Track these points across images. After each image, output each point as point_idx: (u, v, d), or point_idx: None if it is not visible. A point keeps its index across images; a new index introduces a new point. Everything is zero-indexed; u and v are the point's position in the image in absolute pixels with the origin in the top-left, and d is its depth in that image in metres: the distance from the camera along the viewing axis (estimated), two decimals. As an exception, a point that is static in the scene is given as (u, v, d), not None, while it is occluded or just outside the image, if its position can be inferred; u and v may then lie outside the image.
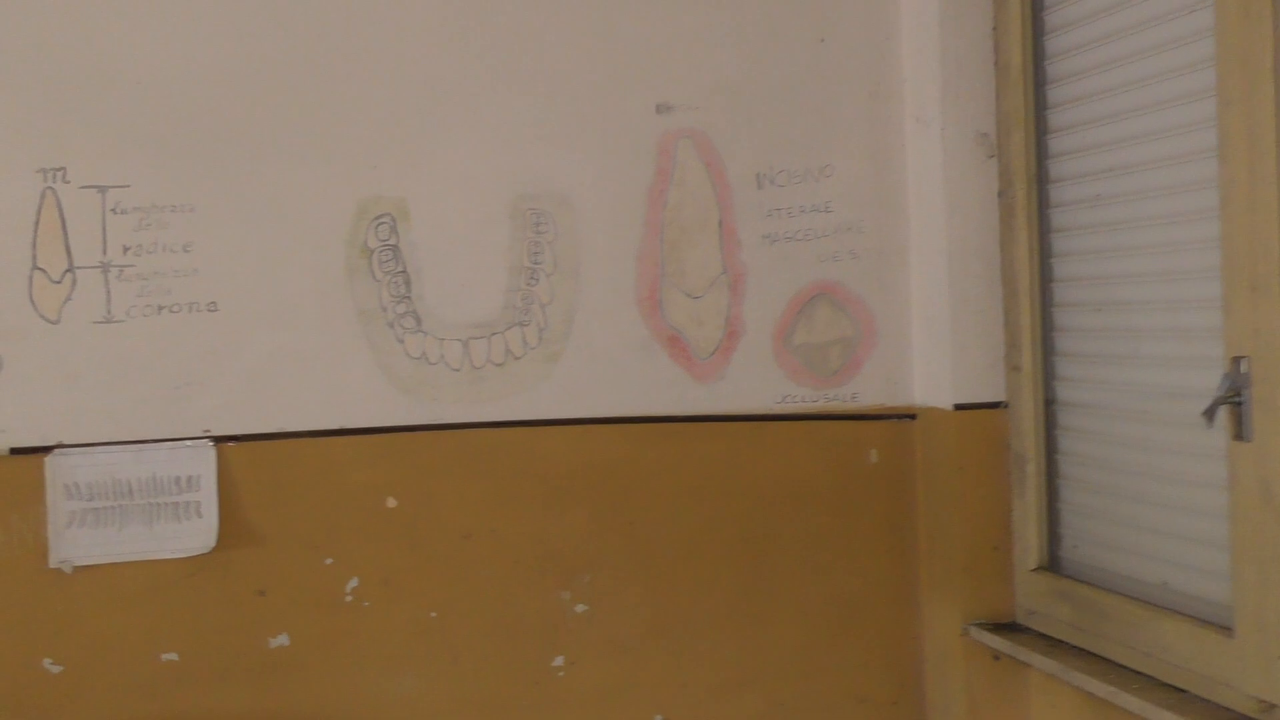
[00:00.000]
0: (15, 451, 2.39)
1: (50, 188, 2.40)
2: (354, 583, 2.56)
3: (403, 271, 2.57)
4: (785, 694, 2.77)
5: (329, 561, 2.55)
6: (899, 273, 2.80)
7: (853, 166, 2.77)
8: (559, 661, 2.67)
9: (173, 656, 2.48)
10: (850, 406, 2.80)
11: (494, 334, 2.62)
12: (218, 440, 2.49)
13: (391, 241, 2.56)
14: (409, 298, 2.57)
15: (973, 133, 2.68)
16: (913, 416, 2.81)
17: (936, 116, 2.70)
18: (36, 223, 2.40)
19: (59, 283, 2.41)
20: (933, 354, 2.77)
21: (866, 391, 2.80)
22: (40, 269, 2.39)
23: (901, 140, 2.77)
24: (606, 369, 2.67)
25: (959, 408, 2.69)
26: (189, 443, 2.47)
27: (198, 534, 2.47)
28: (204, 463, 2.47)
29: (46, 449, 2.41)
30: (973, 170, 2.66)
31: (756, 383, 2.75)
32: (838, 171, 2.76)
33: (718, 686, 2.74)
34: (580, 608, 2.67)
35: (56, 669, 2.42)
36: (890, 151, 2.79)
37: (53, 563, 2.40)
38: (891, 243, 2.79)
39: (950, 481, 2.72)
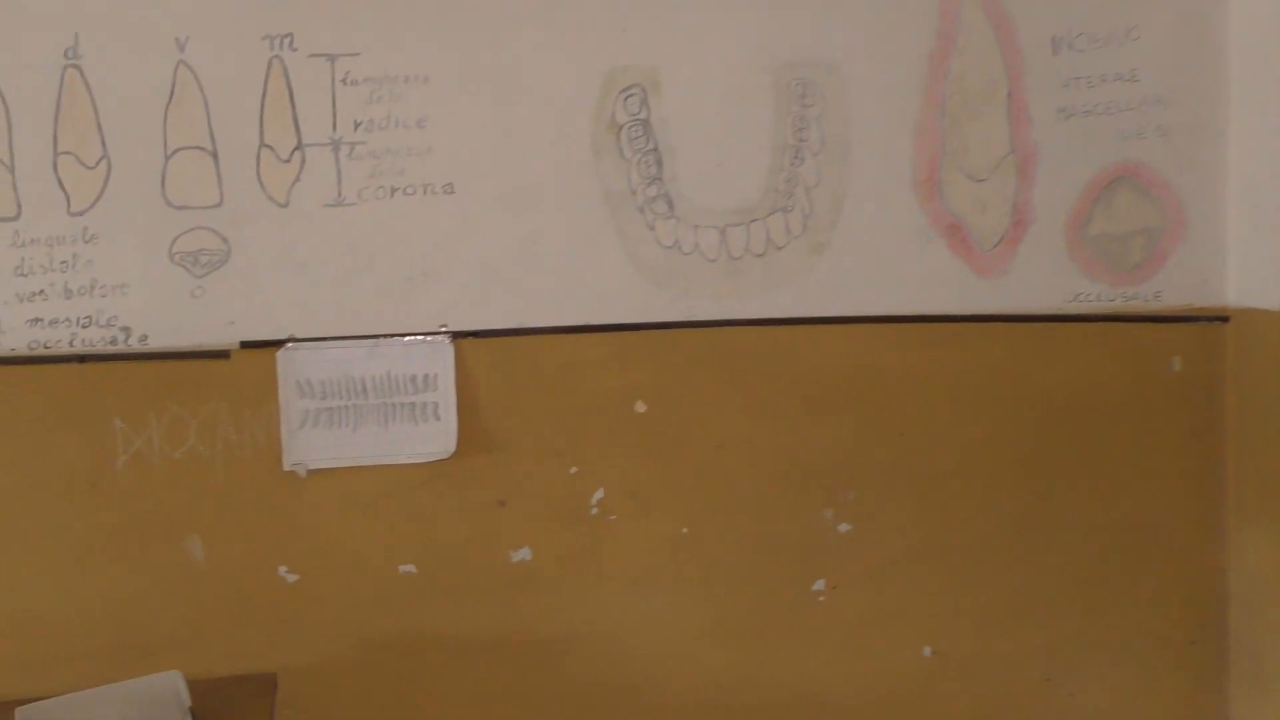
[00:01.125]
0: (246, 345, 2.21)
1: (277, 56, 2.19)
2: (599, 494, 2.35)
3: (654, 150, 2.30)
4: (1068, 629, 2.49)
5: (573, 470, 2.34)
6: (1214, 154, 2.43)
7: (1164, 28, 2.40)
8: (819, 585, 2.43)
9: (410, 569, 2.31)
10: (1152, 307, 2.46)
11: (754, 221, 2.34)
12: (455, 336, 2.26)
13: (642, 115, 2.29)
14: (660, 179, 2.30)
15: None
16: (1225, 319, 2.45)
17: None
18: (263, 95, 2.20)
19: (287, 161, 2.21)
20: (1256, 248, 2.39)
21: (1171, 290, 2.46)
22: (267, 146, 2.20)
23: (1224, -4, 2.36)
24: (877, 261, 2.39)
25: (1296, 307, 2.31)
26: (425, 338, 2.26)
27: (436, 438, 2.27)
28: (441, 360, 2.26)
29: (278, 343, 2.23)
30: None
31: (1046, 278, 2.43)
32: (1146, 34, 2.39)
33: (993, 618, 2.47)
34: (844, 527, 2.42)
35: (293, 577, 2.27)
36: (1209, 10, 2.38)
37: (287, 465, 2.24)
38: (1207, 118, 2.42)
39: (1275, 393, 2.35)
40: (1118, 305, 2.47)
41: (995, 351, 2.44)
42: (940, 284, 2.42)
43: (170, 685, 2.02)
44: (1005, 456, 2.46)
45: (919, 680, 2.46)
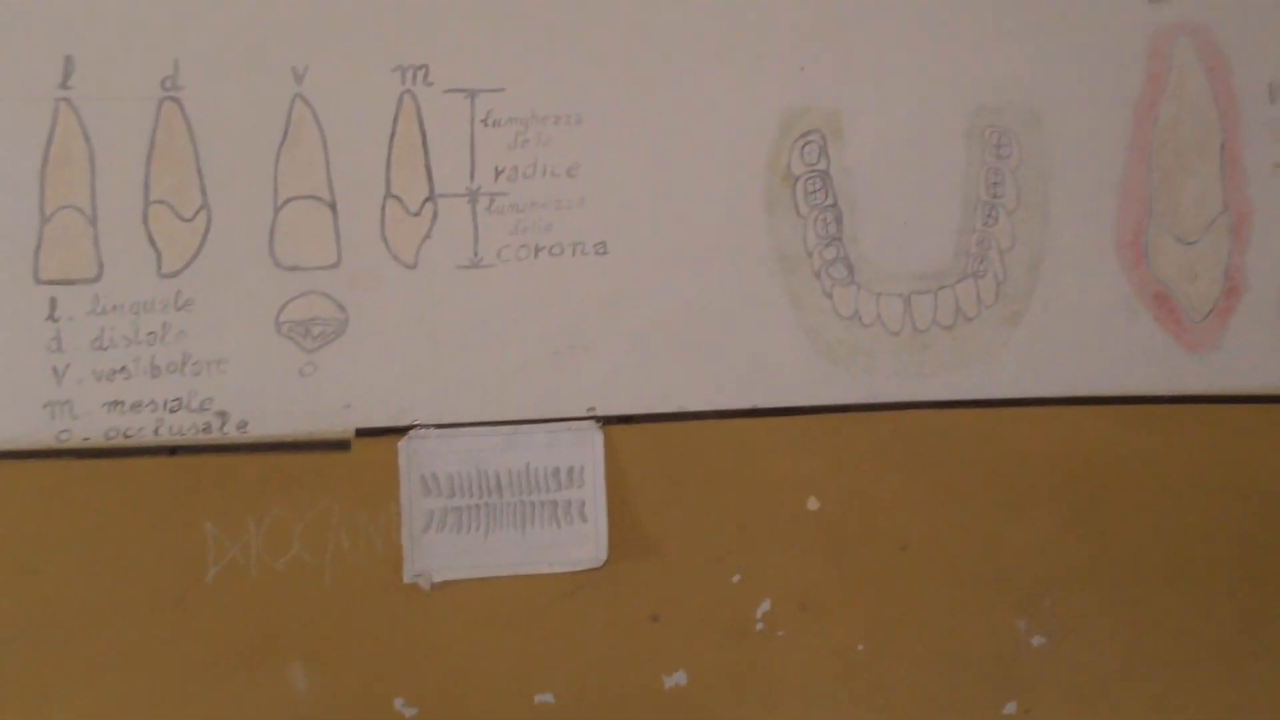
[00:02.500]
0: (363, 433, 1.87)
1: (409, 91, 1.87)
2: (765, 606, 2.04)
3: (833, 205, 2.01)
4: (1287, 752, 2.18)
5: (736, 579, 2.02)
6: None
7: (1389, 73, 2.14)
8: (1011, 708, 2.14)
9: (548, 698, 1.97)
10: (1380, 385, 2.18)
11: (942, 288, 2.06)
12: (604, 421, 1.93)
13: (820, 166, 2.00)
14: (840, 239, 2.01)
15: None
16: None
17: None
18: (391, 136, 1.87)
19: (417, 215, 1.89)
20: None
21: (1403, 367, 2.18)
22: (394, 196, 1.88)
23: None
24: (1077, 334, 2.11)
25: None
26: (571, 424, 1.93)
27: (583, 542, 1.94)
28: (590, 450, 1.94)
29: (401, 430, 1.89)
30: None
31: (1262, 352, 2.17)
32: (1370, 79, 2.13)
33: (1205, 742, 2.16)
34: (1038, 640, 2.12)
35: (410, 711, 1.93)
36: None
37: (408, 577, 1.90)
38: None
39: None
40: (1341, 384, 2.19)
41: (1207, 436, 2.17)
42: (1146, 360, 2.15)
43: None
44: (1220, 554, 2.18)
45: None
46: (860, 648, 2.11)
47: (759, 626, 2.07)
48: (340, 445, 1.91)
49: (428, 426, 1.94)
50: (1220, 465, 2.20)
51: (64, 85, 1.83)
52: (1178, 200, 2.16)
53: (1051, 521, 2.16)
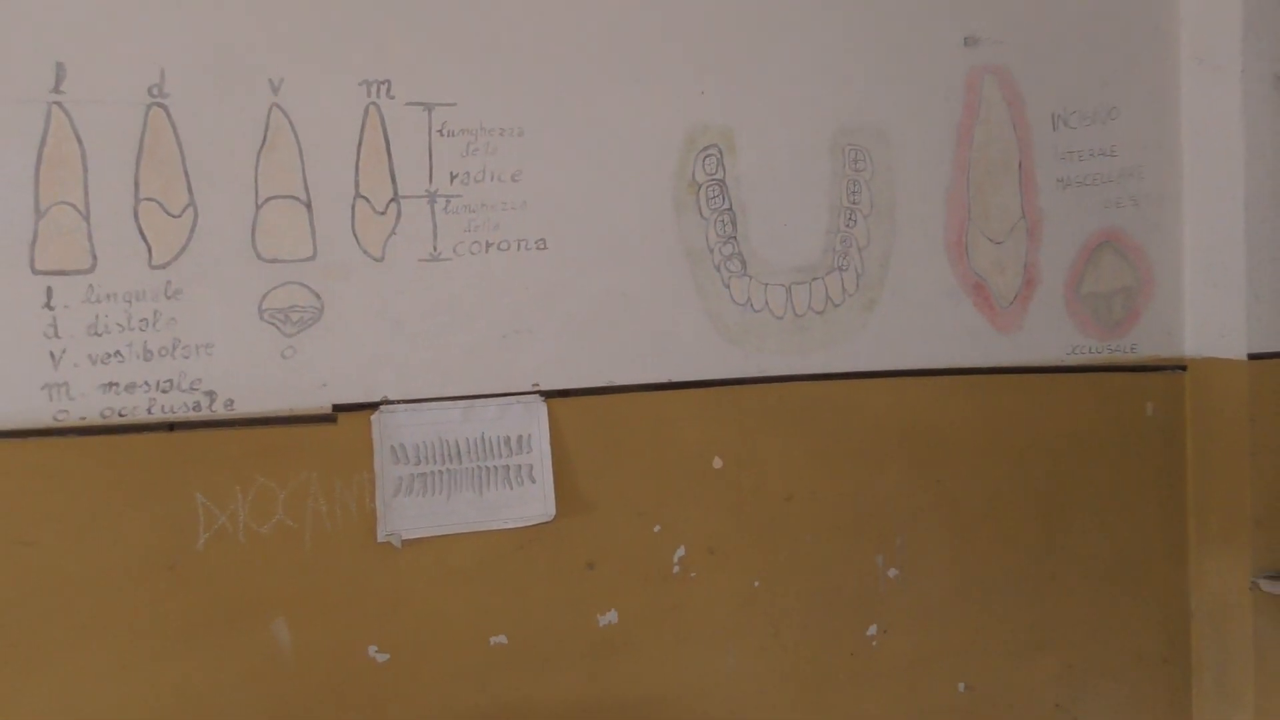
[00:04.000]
0: (339, 409, 2.15)
1: (374, 103, 2.18)
2: (681, 551, 2.44)
3: (729, 209, 2.45)
4: (1076, 655, 2.80)
5: (657, 529, 2.42)
6: (1174, 219, 2.84)
7: (1136, 109, 2.81)
8: (872, 630, 2.62)
9: (501, 639, 2.29)
10: (1129, 358, 2.84)
11: (815, 279, 2.54)
12: (547, 395, 2.30)
13: (718, 175, 2.44)
14: (735, 238, 2.46)
15: (1271, 75, 2.75)
16: (1184, 368, 2.86)
17: (1234, 58, 2.75)
18: (359, 143, 2.17)
19: (383, 214, 2.19)
20: (1214, 303, 2.83)
21: (1144, 342, 2.85)
22: (363, 197, 2.17)
23: (1177, 82, 2.80)
24: (918, 318, 2.63)
25: (1253, 357, 2.76)
26: (519, 398, 2.27)
27: (533, 501, 2.29)
28: (536, 420, 2.29)
29: (372, 405, 2.18)
30: (1271, 114, 2.72)
31: (1050, 333, 2.76)
32: (1123, 114, 2.80)
33: (1016, 651, 2.74)
34: (893, 572, 2.62)
35: (383, 657, 2.20)
36: (1169, 93, 2.82)
37: (381, 536, 2.19)
38: (1168, 188, 2.84)
39: (1237, 432, 2.79)
40: (1104, 357, 2.82)
41: (1012, 401, 2.73)
42: (967, 339, 2.69)
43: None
44: (1023, 497, 2.74)
45: (955, 715, 2.67)
46: (756, 584, 2.52)
47: (675, 570, 2.45)
48: (318, 420, 2.16)
49: (396, 402, 2.22)
50: (1022, 424, 2.76)
51: (56, 89, 2.01)
52: (988, 207, 2.71)
53: (900, 473, 2.65)
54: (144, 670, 2.03)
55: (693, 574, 2.43)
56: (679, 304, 2.40)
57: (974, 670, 2.69)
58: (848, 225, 2.54)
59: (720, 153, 2.42)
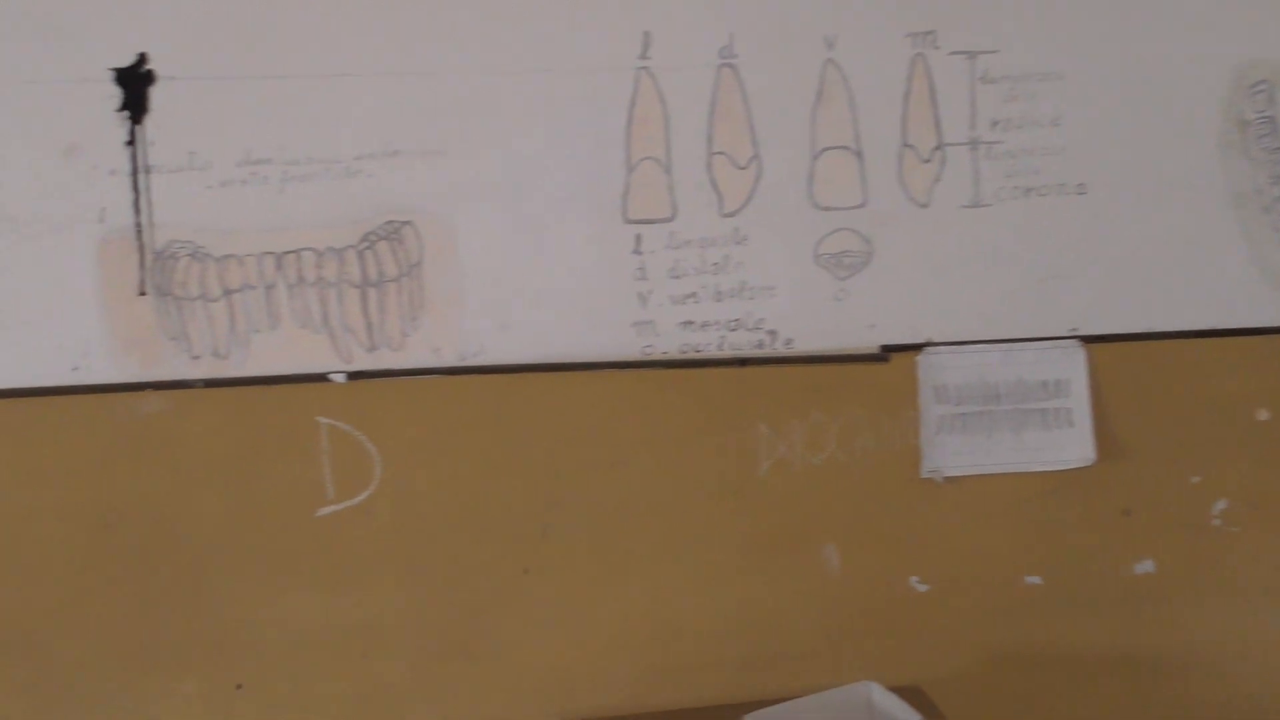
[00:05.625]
0: (886, 349, 2.22)
1: (920, 54, 2.21)
2: (1221, 504, 2.33)
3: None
4: None
5: (1195, 480, 2.33)
6: None
7: None
8: None
9: (1035, 580, 2.30)
10: None
11: (1371, 220, 2.33)
12: (1085, 340, 2.26)
13: (1269, 113, 2.30)
14: (1286, 178, 2.30)
15: None
16: None
17: None
18: (906, 93, 2.22)
19: (928, 161, 2.23)
20: None
21: None
22: (909, 146, 2.22)
23: None
24: None
25: None
26: (1057, 342, 2.26)
27: (1071, 445, 2.28)
28: (1074, 365, 2.27)
29: (915, 347, 2.24)
30: None
31: None
32: None
33: None
34: None
35: (923, 588, 2.26)
36: None
37: (924, 472, 2.24)
38: None
39: None
40: None
41: None
42: None
43: (863, 695, 2.02)
44: None
45: None
46: (1301, 544, 2.40)
47: (1215, 523, 2.38)
48: (868, 359, 2.27)
49: (939, 344, 2.29)
50: None
51: (643, 56, 2.22)
52: None
53: None
54: (715, 584, 2.23)
55: (1234, 528, 2.35)
56: (1222, 249, 2.33)
57: None
58: None
59: (1271, 89, 2.32)
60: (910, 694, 2.12)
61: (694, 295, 2.21)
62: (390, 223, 2.13)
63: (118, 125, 2.06)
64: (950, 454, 2.27)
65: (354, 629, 2.17)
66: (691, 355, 2.22)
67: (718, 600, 2.23)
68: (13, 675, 2.11)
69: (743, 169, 2.22)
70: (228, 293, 2.11)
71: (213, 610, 2.14)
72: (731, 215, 2.22)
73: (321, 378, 2.13)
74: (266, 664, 2.16)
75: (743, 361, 2.22)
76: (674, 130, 2.20)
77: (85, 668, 2.12)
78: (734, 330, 2.23)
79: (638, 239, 2.20)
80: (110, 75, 2.06)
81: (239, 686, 2.16)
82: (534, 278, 2.17)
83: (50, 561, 2.10)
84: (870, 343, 2.26)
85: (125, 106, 2.06)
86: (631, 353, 2.20)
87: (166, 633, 2.14)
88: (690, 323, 2.22)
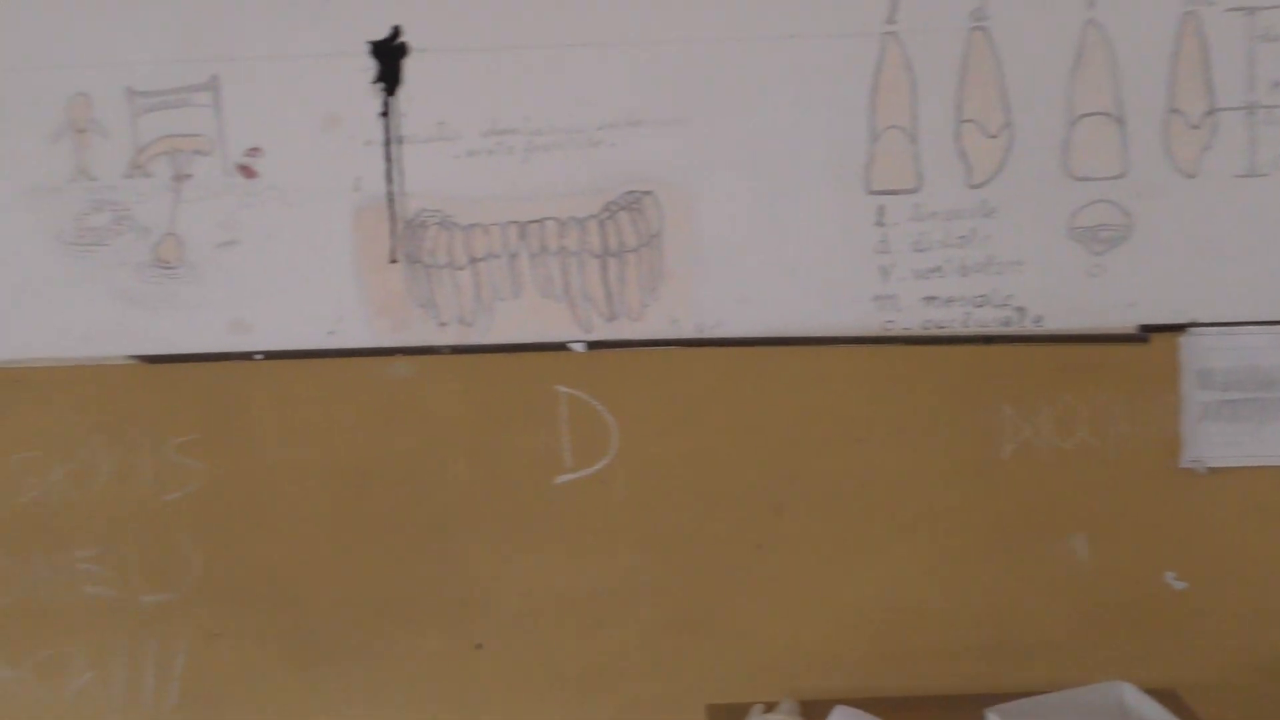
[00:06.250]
0: (1145, 329, 2.06)
1: (1191, 11, 2.04)
2: None
3: None
4: None
5: None
6: None
7: None
8: None
9: (1316, 584, 2.09)
10: None
11: None
12: (1373, 323, 2.05)
13: None
14: None
15: None
16: None
17: None
18: (1175, 55, 2.04)
19: (1197, 128, 2.06)
20: None
21: None
22: (1177, 111, 2.05)
23: None
24: None
25: None
26: (1339, 325, 2.05)
27: (1352, 436, 2.05)
28: (1357, 350, 2.04)
29: (1178, 327, 2.07)
30: None
31: None
32: None
33: None
34: None
35: (1180, 585, 2.10)
36: None
37: (1185, 461, 2.07)
38: None
39: None
40: None
41: None
42: None
43: (1114, 696, 1.89)
44: None
45: None
46: None
47: None
48: (1125, 339, 2.13)
49: (1204, 325, 2.13)
50: None
51: (890, 21, 2.13)
52: None
53: None
54: (954, 568, 2.16)
55: None
56: None
57: None
58: None
59: None
60: (1166, 698, 2.00)
61: (938, 269, 2.14)
62: (631, 192, 2.13)
63: (373, 97, 2.11)
64: (1215, 443, 2.13)
65: (588, 596, 2.19)
66: (934, 332, 2.15)
67: (956, 586, 2.16)
68: (274, 622, 2.22)
69: (993, 137, 2.13)
70: (473, 261, 2.15)
71: (456, 570, 2.20)
72: (980, 186, 2.13)
73: (562, 346, 2.14)
74: (504, 626, 2.20)
75: (988, 339, 2.12)
76: (920, 97, 2.13)
77: (337, 619, 2.21)
78: (980, 307, 2.14)
79: (880, 210, 2.14)
80: (367, 48, 2.11)
81: (478, 646, 2.21)
82: (773, 249, 2.13)
83: (307, 518, 2.19)
84: (1128, 322, 2.13)
85: (380, 78, 2.12)
86: (871, 328, 2.15)
87: (412, 590, 2.20)
88: (934, 298, 2.14)
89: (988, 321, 2.14)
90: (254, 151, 2.12)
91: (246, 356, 2.16)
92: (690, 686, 2.18)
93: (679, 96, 2.11)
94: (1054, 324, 2.13)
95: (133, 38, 2.11)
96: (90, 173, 2.15)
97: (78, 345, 2.18)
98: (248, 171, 2.12)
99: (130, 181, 2.14)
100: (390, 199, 2.13)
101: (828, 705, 1.94)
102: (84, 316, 2.17)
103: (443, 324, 2.16)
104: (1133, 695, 1.92)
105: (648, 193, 2.13)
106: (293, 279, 2.15)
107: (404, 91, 2.11)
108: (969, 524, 2.15)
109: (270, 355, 2.17)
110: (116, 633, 2.21)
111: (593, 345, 2.15)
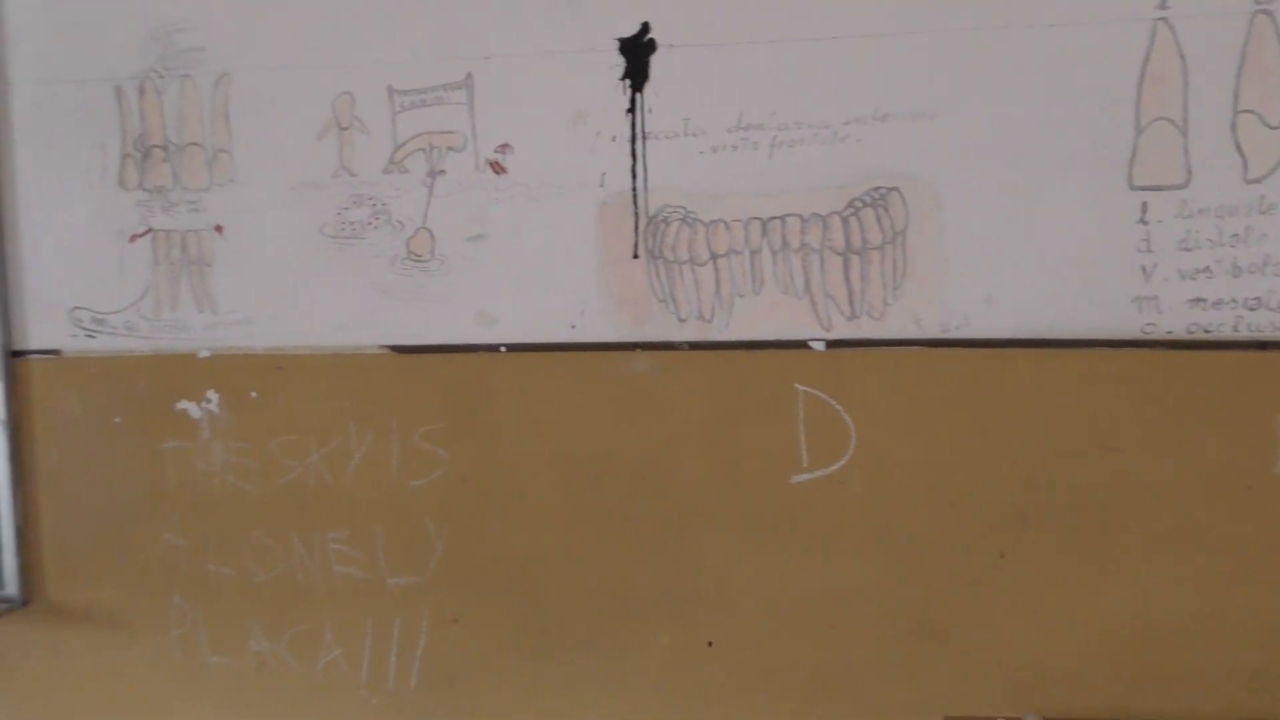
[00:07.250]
0: None
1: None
2: None
3: None
4: None
5: None
6: None
7: None
8: None
9: None
10: None
11: None
12: None
13: None
14: None
15: None
16: None
17: None
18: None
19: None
20: None
21: None
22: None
23: None
24: None
25: None
26: None
27: None
28: None
29: None
30: None
31: None
32: None
33: None
34: None
35: None
36: None
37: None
38: None
39: None
40: None
41: None
42: None
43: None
44: None
45: None
46: None
47: None
48: None
49: None
50: None
51: (1162, 6, 2.00)
52: None
53: None
54: (1218, 587, 2.03)
55: None
56: None
57: None
58: None
59: None
60: None
61: (1207, 270, 2.01)
62: (876, 189, 2.08)
63: (620, 93, 2.12)
64: None
65: (822, 599, 2.16)
66: (1200, 336, 2.02)
67: (1220, 606, 2.03)
68: (510, 610, 2.27)
69: (1274, 129, 1.98)
70: (714, 257, 2.14)
71: (689, 567, 2.20)
72: (1257, 181, 2.00)
73: (801, 345, 2.11)
74: (737, 625, 2.19)
75: (1263, 345, 1.98)
76: (1193, 87, 2.00)
77: (571, 611, 2.24)
78: (1253, 310, 2.01)
79: (1143, 207, 2.03)
80: (615, 45, 2.12)
81: (710, 644, 2.20)
82: (1024, 247, 2.04)
83: (545, 508, 2.23)
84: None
85: (627, 75, 2.13)
86: (1130, 331, 2.04)
87: (646, 585, 2.21)
88: (1201, 300, 2.02)
89: (1262, 326, 2.01)
90: (504, 148, 2.16)
91: (491, 349, 2.21)
92: (927, 696, 2.12)
93: (928, 89, 2.05)
94: (1325, 330, 1.97)
95: (394, 37, 2.19)
96: (351, 168, 2.24)
97: (334, 334, 2.27)
98: (497, 167, 2.16)
99: (388, 177, 2.22)
100: (634, 195, 2.14)
101: (1073, 725, 1.85)
102: (341, 306, 2.26)
103: (682, 319, 2.16)
104: None
105: (893, 189, 2.08)
106: (537, 273, 2.19)
107: (650, 88, 2.12)
108: (1234, 541, 2.02)
109: (513, 348, 2.21)
110: (364, 612, 2.30)
111: (832, 344, 2.11)
